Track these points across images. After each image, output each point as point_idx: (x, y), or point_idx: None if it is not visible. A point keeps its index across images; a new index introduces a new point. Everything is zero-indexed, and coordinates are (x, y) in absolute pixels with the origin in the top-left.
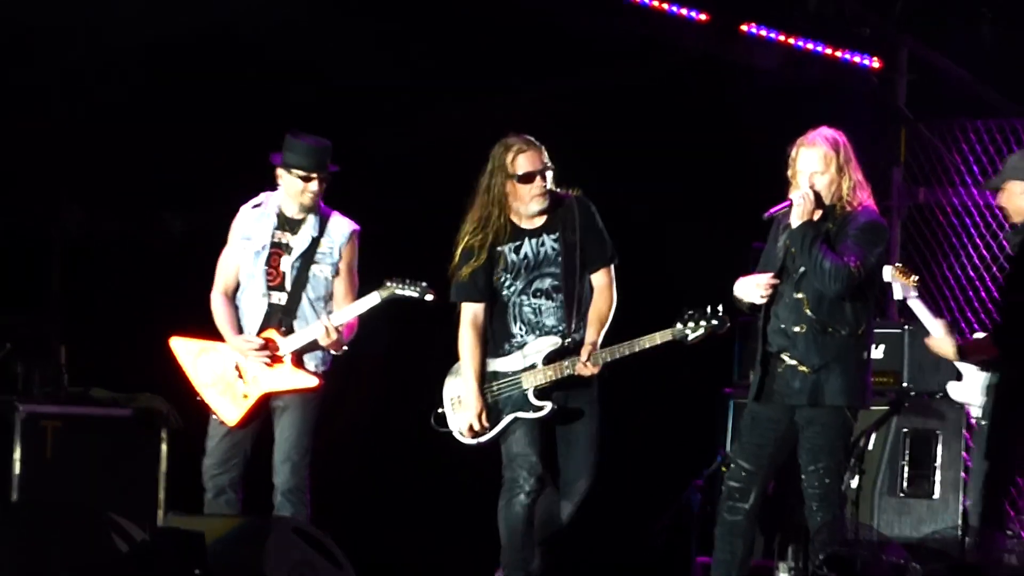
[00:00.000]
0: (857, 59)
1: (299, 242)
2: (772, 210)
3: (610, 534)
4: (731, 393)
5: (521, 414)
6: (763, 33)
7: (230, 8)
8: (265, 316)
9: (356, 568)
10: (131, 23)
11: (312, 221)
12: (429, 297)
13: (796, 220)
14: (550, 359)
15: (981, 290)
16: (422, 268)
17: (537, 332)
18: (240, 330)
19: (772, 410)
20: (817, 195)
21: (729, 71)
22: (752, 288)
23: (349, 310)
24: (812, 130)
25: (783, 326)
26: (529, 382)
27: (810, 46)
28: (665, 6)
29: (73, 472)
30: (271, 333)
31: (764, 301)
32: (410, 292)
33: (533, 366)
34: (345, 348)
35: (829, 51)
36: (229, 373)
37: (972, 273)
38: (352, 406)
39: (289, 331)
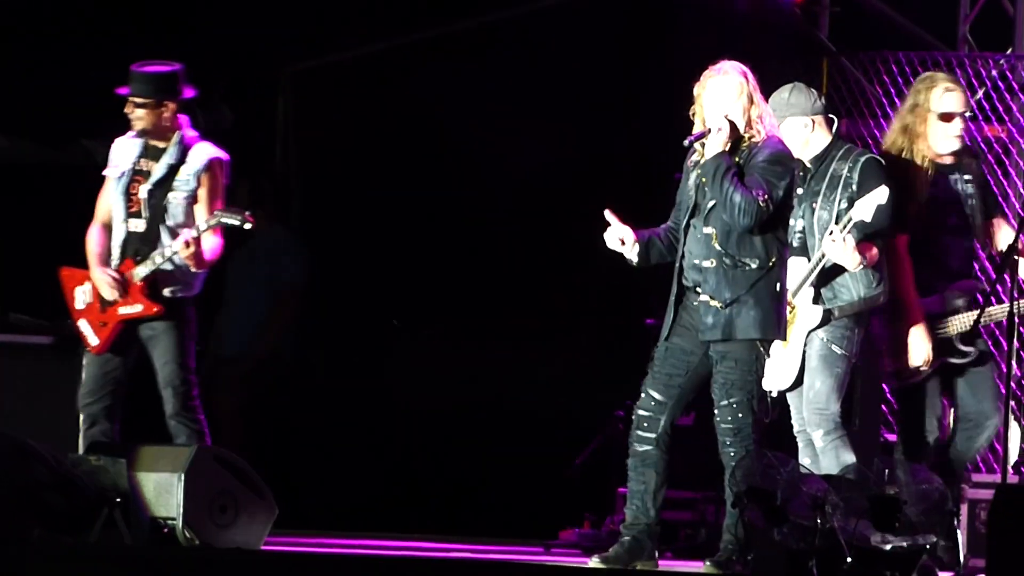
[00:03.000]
0: None
1: (158, 169)
2: (691, 137)
3: (536, 467)
4: (652, 325)
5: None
6: None
7: None
8: (123, 243)
9: (277, 497)
10: None
11: (173, 149)
12: (248, 225)
13: (712, 150)
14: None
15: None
16: None
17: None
18: (107, 260)
19: (685, 342)
20: (733, 126)
21: (653, 3)
22: (611, 241)
23: (200, 223)
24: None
25: (696, 261)
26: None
27: None
28: None
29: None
30: (127, 263)
31: (635, 255)
32: (232, 220)
33: (956, 311)
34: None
35: None
36: (95, 301)
37: None
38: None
39: (145, 259)
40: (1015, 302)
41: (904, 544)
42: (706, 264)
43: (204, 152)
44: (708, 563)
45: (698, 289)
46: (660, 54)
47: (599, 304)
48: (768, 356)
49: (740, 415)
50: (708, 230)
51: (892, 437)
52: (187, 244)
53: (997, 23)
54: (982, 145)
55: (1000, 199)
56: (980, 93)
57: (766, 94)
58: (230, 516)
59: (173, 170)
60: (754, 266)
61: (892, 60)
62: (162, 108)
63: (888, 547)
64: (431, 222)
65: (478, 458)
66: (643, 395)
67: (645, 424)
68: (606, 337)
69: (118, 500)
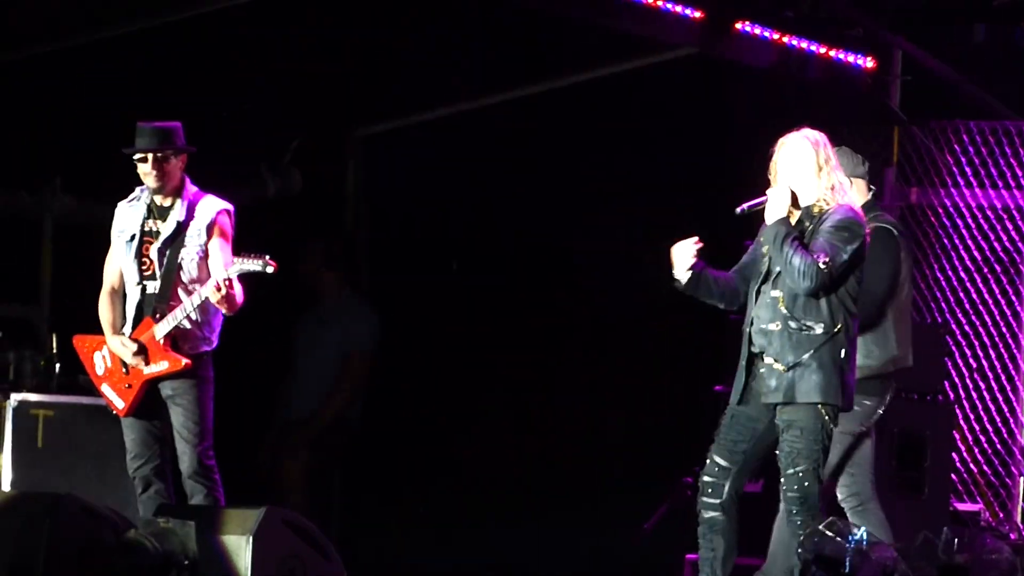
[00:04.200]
0: (851, 59)
1: (166, 228)
2: (744, 204)
3: (605, 532)
4: (721, 391)
5: None
6: (756, 31)
7: None
8: (138, 305)
9: (345, 561)
10: None
11: (179, 206)
12: (270, 269)
13: (770, 218)
14: None
15: (972, 291)
16: None
17: None
18: (121, 326)
19: (752, 409)
20: (793, 194)
21: (723, 70)
22: (678, 254)
23: (217, 274)
24: (796, 129)
25: (763, 326)
26: None
27: (804, 45)
28: (660, 3)
29: (63, 461)
30: (145, 323)
31: (686, 276)
32: (254, 266)
33: None
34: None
35: (823, 51)
36: (116, 366)
37: (963, 275)
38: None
39: (163, 317)
40: None
41: None
42: (771, 327)
43: (211, 206)
44: None
45: (764, 354)
46: (731, 123)
47: (670, 370)
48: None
49: (806, 484)
50: (775, 294)
51: (962, 506)
52: (218, 288)
53: None
54: None
55: None
56: None
57: None
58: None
59: (182, 227)
60: (819, 331)
61: (963, 129)
62: (170, 161)
63: None
64: (496, 290)
65: (548, 523)
66: (708, 461)
67: (710, 490)
68: (676, 403)
69: (186, 563)
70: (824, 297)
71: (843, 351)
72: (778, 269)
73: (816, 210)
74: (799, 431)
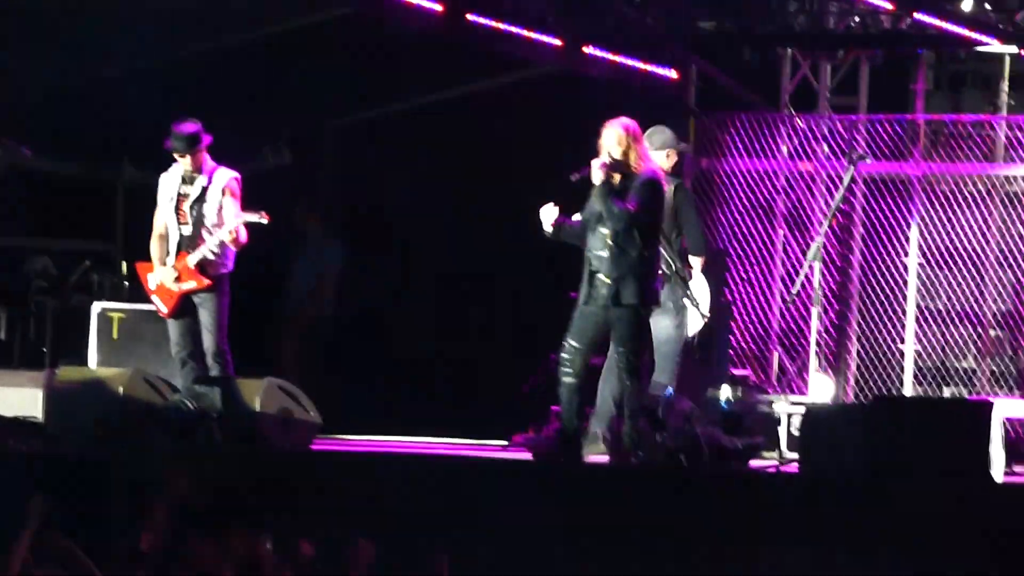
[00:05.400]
0: (662, 71)
1: (193, 191)
2: (575, 173)
3: (499, 395)
4: (574, 297)
5: None
6: (599, 53)
7: None
8: (178, 244)
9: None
10: None
11: (202, 177)
12: (264, 220)
13: (595, 180)
14: None
15: (743, 227)
16: None
17: None
18: (166, 259)
19: (592, 308)
20: (614, 163)
21: (575, 81)
22: (544, 215)
23: (228, 223)
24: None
25: (597, 252)
26: None
27: (630, 62)
28: (532, 35)
29: (130, 349)
30: (181, 255)
31: (551, 229)
32: (253, 217)
33: None
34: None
35: (643, 66)
36: (162, 283)
37: (737, 216)
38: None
39: (193, 251)
40: None
41: (742, 444)
42: (602, 253)
43: (224, 175)
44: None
45: (599, 272)
46: (577, 118)
47: (543, 284)
48: (648, 316)
49: (630, 358)
50: (604, 231)
51: (737, 371)
52: (231, 232)
53: (807, 92)
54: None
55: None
56: (795, 140)
57: None
58: (289, 425)
59: (205, 190)
60: (634, 255)
61: (736, 118)
62: (194, 152)
63: (733, 446)
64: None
65: (460, 389)
66: (565, 343)
67: (567, 363)
68: (547, 305)
69: (215, 416)
70: (635, 231)
71: (650, 267)
72: (603, 214)
73: (629, 174)
74: (625, 323)
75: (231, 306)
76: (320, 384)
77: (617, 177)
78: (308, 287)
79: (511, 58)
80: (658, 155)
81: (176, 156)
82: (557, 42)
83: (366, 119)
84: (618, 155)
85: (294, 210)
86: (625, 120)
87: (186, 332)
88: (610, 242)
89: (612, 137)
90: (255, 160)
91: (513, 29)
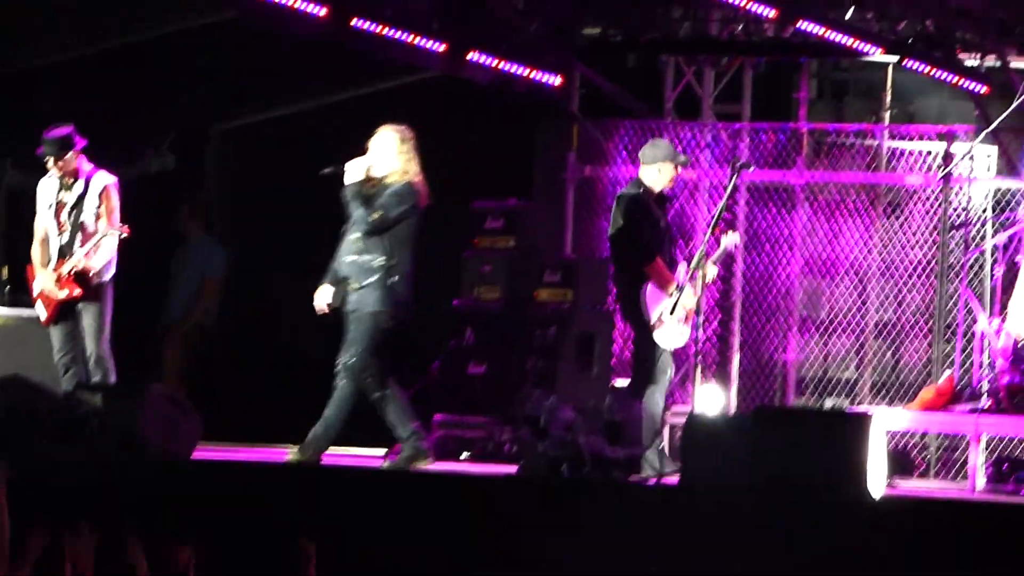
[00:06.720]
0: (546, 78)
1: (70, 198)
2: (326, 169)
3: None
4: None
5: None
6: (483, 58)
7: None
8: (59, 251)
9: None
10: None
11: (79, 183)
12: (124, 235)
13: (347, 181)
14: None
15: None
16: None
17: None
18: (47, 263)
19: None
20: (371, 167)
21: (459, 85)
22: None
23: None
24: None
25: (345, 258)
26: None
27: (514, 68)
28: (416, 40)
29: (14, 356)
30: (60, 263)
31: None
32: (115, 232)
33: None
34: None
35: (527, 72)
36: (45, 288)
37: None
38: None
39: (70, 258)
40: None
41: (624, 454)
42: (350, 259)
43: (101, 180)
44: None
45: (348, 278)
46: (462, 120)
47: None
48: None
49: (354, 360)
50: (353, 236)
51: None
52: (94, 245)
53: (691, 100)
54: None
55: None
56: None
57: (528, 150)
58: (172, 429)
59: (81, 197)
60: (380, 262)
61: (620, 125)
62: (66, 158)
63: (615, 456)
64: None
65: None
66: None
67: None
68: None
69: (96, 421)
70: (385, 237)
71: (397, 276)
72: (353, 217)
73: (388, 180)
74: (360, 326)
75: (113, 312)
76: (203, 391)
77: (373, 181)
78: (192, 293)
79: (395, 63)
80: (649, 170)
81: (48, 163)
82: (441, 47)
83: (251, 123)
84: (380, 159)
85: (177, 215)
86: (400, 127)
87: (68, 338)
88: (357, 247)
89: (383, 141)
90: (139, 164)
91: (397, 34)
